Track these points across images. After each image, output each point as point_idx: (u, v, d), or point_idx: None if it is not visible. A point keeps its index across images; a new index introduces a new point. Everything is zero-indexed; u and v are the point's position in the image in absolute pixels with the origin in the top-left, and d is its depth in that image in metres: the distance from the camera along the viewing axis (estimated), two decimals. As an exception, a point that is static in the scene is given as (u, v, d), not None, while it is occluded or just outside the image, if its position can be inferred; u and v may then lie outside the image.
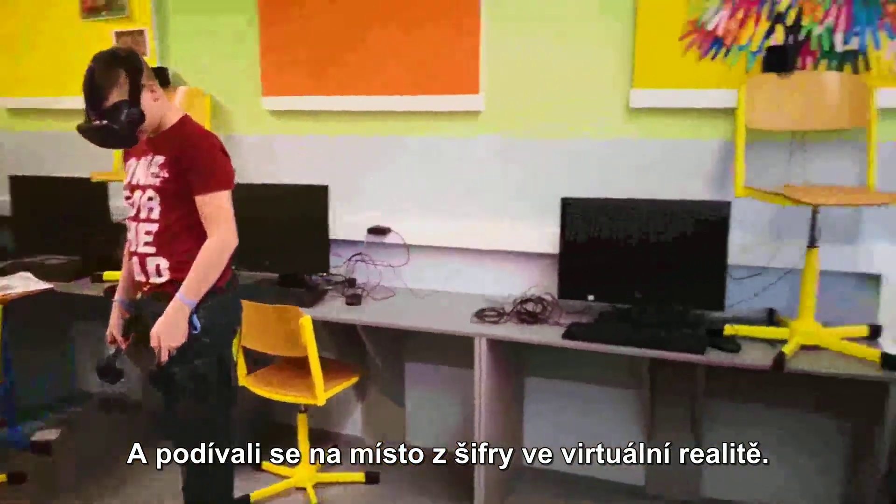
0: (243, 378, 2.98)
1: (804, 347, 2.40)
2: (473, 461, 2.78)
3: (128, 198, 2.27)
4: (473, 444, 2.77)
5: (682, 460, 2.90)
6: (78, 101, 2.09)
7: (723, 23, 2.64)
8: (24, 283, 3.35)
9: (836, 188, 2.56)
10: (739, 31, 2.63)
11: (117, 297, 2.42)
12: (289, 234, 3.19)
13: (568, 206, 2.76)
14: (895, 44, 2.46)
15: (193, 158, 2.15)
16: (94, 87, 2.07)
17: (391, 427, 3.44)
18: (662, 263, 2.65)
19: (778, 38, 2.58)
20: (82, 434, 3.62)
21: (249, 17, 3.34)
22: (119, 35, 3.57)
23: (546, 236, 2.94)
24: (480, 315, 2.81)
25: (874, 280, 2.60)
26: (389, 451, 3.38)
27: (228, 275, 2.25)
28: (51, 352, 3.96)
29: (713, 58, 2.67)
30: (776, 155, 2.65)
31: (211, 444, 2.27)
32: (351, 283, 3.27)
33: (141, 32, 3.52)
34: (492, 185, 3.08)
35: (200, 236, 2.18)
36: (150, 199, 2.19)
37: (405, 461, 3.31)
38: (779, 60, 2.56)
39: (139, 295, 2.35)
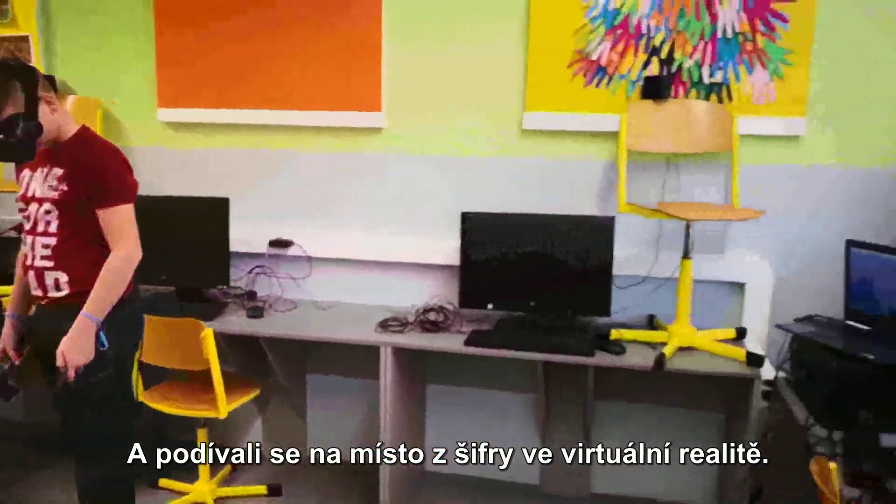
0: (141, 394, 2.91)
1: (681, 349, 2.65)
2: (378, 464, 2.85)
3: (22, 210, 2.21)
4: (378, 448, 2.85)
5: (572, 459, 3.11)
6: None
7: (605, 53, 2.89)
8: None
9: (706, 205, 2.85)
10: (620, 62, 2.88)
11: (9, 311, 2.34)
12: (187, 247, 3.15)
13: (467, 220, 2.91)
14: (752, 78, 2.78)
15: (95, 172, 2.13)
16: None
17: (292, 439, 3.45)
18: (555, 274, 2.84)
19: (654, 69, 2.85)
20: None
21: (145, 27, 3.30)
22: (0, 40, 3.42)
23: (446, 249, 3.08)
24: (384, 325, 2.90)
25: (740, 287, 2.90)
26: (291, 461, 3.40)
27: (130, 287, 2.23)
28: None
29: (597, 85, 2.91)
30: (654, 174, 2.92)
31: (113, 459, 2.24)
32: (251, 295, 3.27)
33: (25, 38, 3.39)
34: (393, 199, 3.19)
35: (100, 249, 2.15)
36: (47, 212, 2.15)
37: (307, 471, 3.34)
38: (654, 89, 2.83)
39: (34, 309, 2.29)
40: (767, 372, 2.52)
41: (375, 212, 3.22)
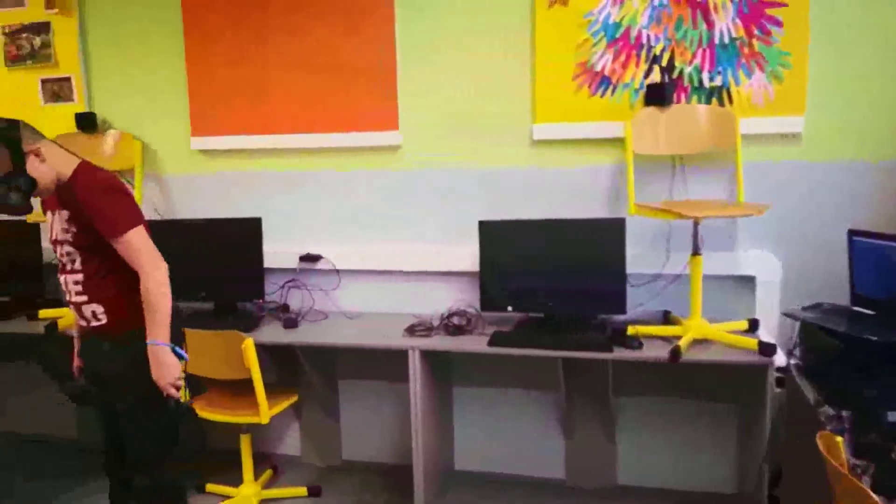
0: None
1: (696, 341, 2.77)
2: (412, 464, 3.01)
3: (54, 250, 2.34)
4: (412, 450, 3.00)
5: (597, 453, 3.23)
6: None
7: (608, 64, 3.04)
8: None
9: (713, 202, 2.97)
10: (623, 72, 3.03)
11: (76, 331, 2.49)
12: (224, 266, 3.35)
13: (484, 228, 3.07)
14: (751, 80, 2.91)
15: (94, 208, 2.18)
16: None
17: (328, 443, 3.62)
18: (570, 275, 2.98)
19: (656, 76, 3.00)
20: (21, 474, 3.61)
21: (176, 62, 3.52)
22: (45, 82, 3.67)
23: (465, 256, 3.24)
24: (411, 330, 3.06)
25: (750, 280, 3.02)
26: (327, 463, 3.58)
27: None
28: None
29: (602, 95, 3.06)
30: (660, 176, 3.05)
31: (157, 468, 2.40)
32: (285, 308, 3.46)
33: (68, 79, 3.63)
34: (413, 211, 3.36)
35: (125, 276, 2.25)
36: (68, 252, 2.27)
37: (342, 473, 3.50)
38: (658, 96, 2.97)
39: (79, 335, 2.45)
40: (780, 360, 2.63)
41: (397, 224, 3.39)
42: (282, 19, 3.35)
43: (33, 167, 2.14)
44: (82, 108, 3.62)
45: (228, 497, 3.24)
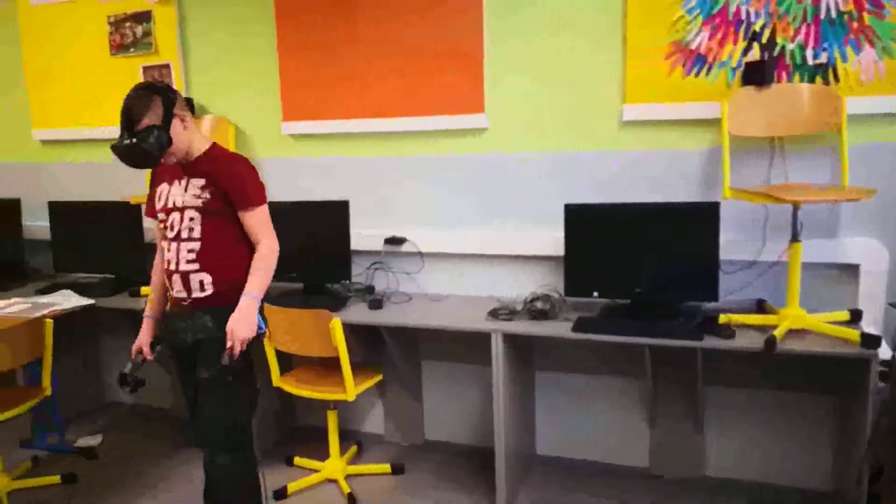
0: (277, 380, 3.22)
1: (792, 332, 2.65)
2: (493, 447, 3.01)
3: (162, 220, 2.47)
4: (493, 433, 3.01)
5: (683, 443, 3.16)
6: (107, 132, 2.31)
7: (704, 42, 2.92)
8: (66, 299, 3.60)
9: (814, 186, 2.83)
10: (720, 50, 2.91)
11: (147, 313, 2.64)
12: (313, 247, 3.44)
13: (571, 211, 3.02)
14: (860, 57, 2.74)
15: (233, 179, 2.41)
16: (131, 111, 2.30)
17: (410, 422, 3.68)
18: (660, 260, 2.91)
19: (755, 54, 2.87)
20: (120, 440, 3.84)
21: (268, 49, 3.62)
22: (146, 69, 3.84)
23: (549, 240, 3.21)
24: (494, 313, 3.06)
25: (853, 269, 2.86)
26: (410, 442, 3.65)
27: None
28: (80, 365, 4.20)
29: (696, 74, 2.95)
30: (757, 159, 2.93)
31: (245, 445, 2.48)
32: (370, 290, 3.52)
33: (167, 66, 3.79)
34: (497, 195, 3.35)
35: (239, 249, 2.43)
36: (191, 219, 2.40)
37: (424, 453, 3.56)
38: (757, 75, 2.84)
39: (172, 309, 2.54)
40: (885, 353, 2.49)
41: (481, 208, 3.39)
42: (371, 4, 3.38)
43: (175, 130, 2.35)
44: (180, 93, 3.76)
45: (315, 471, 3.34)
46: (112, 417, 4.16)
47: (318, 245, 3.44)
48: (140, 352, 2.59)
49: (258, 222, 2.44)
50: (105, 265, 3.91)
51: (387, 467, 3.39)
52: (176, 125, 2.35)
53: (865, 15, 2.72)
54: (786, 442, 3.06)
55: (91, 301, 3.59)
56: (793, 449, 3.06)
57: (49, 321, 3.12)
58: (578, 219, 3.01)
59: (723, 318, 2.77)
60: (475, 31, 3.23)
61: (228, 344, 2.33)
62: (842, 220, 2.88)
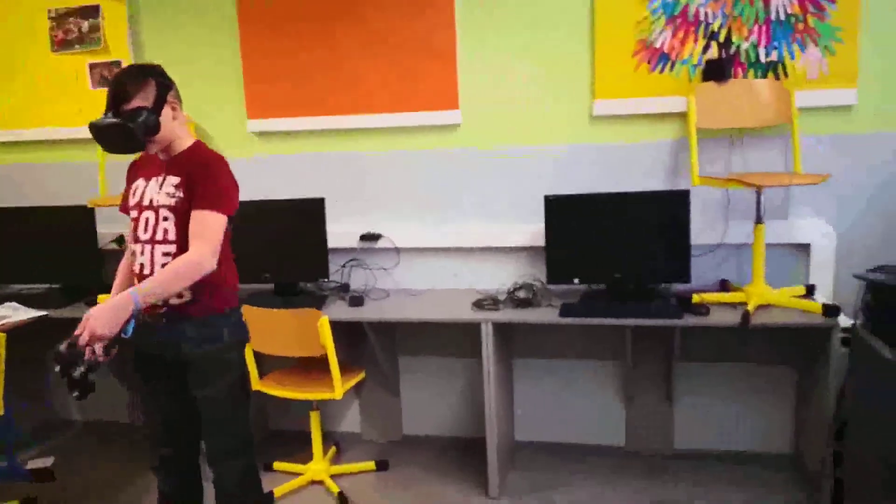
0: (256, 383, 3.16)
1: (759, 307, 2.89)
2: (477, 437, 3.09)
3: (134, 218, 2.30)
4: (480, 423, 3.08)
5: (656, 419, 3.35)
6: (46, 133, 2.12)
7: (667, 41, 3.13)
8: (14, 312, 3.36)
9: (771, 173, 3.09)
10: (682, 48, 3.12)
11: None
12: (287, 247, 3.39)
13: (550, 202, 3.15)
14: (805, 55, 3.03)
15: (203, 177, 2.21)
16: (121, 88, 2.15)
17: (388, 419, 3.69)
18: (635, 246, 3.08)
19: (713, 52, 3.10)
20: (76, 459, 3.63)
21: (231, 45, 3.54)
22: (93, 66, 3.66)
23: (525, 232, 3.33)
24: (479, 304, 3.14)
25: (804, 248, 3.15)
26: (389, 439, 3.68)
27: (237, 295, 2.37)
28: (25, 380, 3.93)
29: (661, 71, 3.15)
30: (719, 149, 3.16)
31: (250, 452, 2.40)
32: (345, 287, 3.52)
33: (118, 63, 3.62)
34: (472, 189, 3.43)
35: (223, 252, 2.23)
36: (164, 219, 2.23)
37: (405, 448, 3.59)
38: (716, 71, 3.07)
39: (143, 318, 2.25)
40: (844, 321, 2.76)
41: (457, 202, 3.46)
42: (342, 1, 3.39)
43: (165, 117, 2.21)
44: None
45: (299, 474, 3.30)
46: (65, 436, 3.93)
47: (293, 244, 3.40)
48: (94, 352, 2.24)
49: (203, 227, 2.17)
50: (50, 274, 3.69)
51: (371, 464, 3.40)
52: (166, 112, 2.20)
53: (809, 17, 3.00)
54: (749, 411, 3.31)
55: (43, 313, 3.37)
56: (756, 417, 3.31)
57: (1, 335, 2.92)
58: (558, 209, 3.15)
59: (696, 298, 2.97)
60: (448, 28, 3.30)
61: (79, 330, 2.02)
62: (793, 204, 3.16)
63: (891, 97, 3.00)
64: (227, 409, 2.33)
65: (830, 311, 2.77)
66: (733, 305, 2.94)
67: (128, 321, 2.06)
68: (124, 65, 3.61)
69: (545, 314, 3.01)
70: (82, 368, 2.10)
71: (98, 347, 2.17)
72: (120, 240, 3.69)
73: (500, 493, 3.11)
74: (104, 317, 2.01)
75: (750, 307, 2.84)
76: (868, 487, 2.57)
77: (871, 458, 2.55)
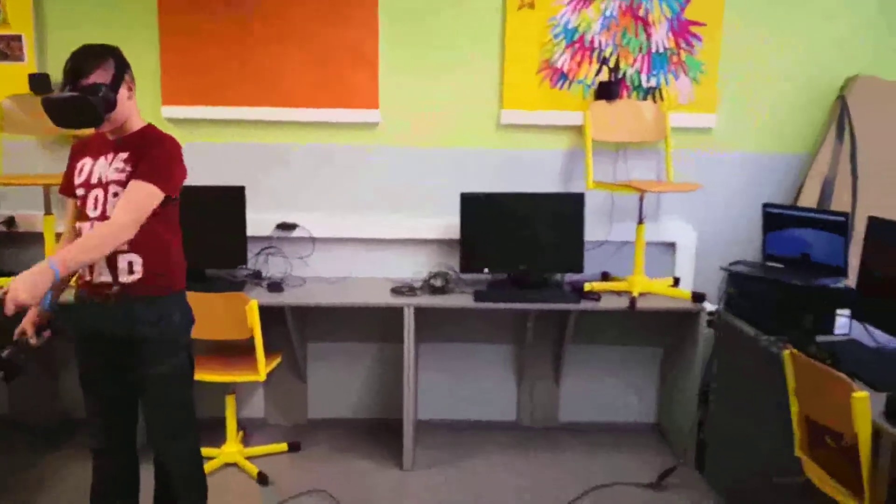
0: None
1: (640, 294, 3.39)
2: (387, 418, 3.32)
3: (81, 197, 2.30)
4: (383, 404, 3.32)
5: (543, 396, 3.77)
6: None
7: (567, 63, 3.57)
8: None
9: (655, 181, 3.62)
10: (578, 70, 3.58)
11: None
12: (205, 234, 3.40)
13: (466, 199, 3.46)
14: (678, 83, 3.59)
15: (152, 153, 2.25)
16: (80, 63, 2.18)
17: (294, 403, 3.81)
18: (538, 241, 3.48)
19: (605, 75, 3.58)
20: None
21: (147, 29, 3.50)
22: (-10, 38, 3.46)
23: (435, 226, 3.63)
24: (398, 291, 3.38)
25: (671, 246, 3.71)
26: (296, 422, 3.81)
27: (184, 275, 2.43)
28: None
29: (560, 88, 3.59)
30: (606, 159, 3.64)
31: (195, 431, 2.47)
32: (257, 275, 3.60)
33: (18, 38, 3.45)
34: (388, 184, 3.66)
35: (169, 232, 2.32)
36: (114, 195, 2.23)
37: (313, 430, 3.73)
38: (607, 92, 3.55)
39: (87, 297, 2.30)
40: (709, 306, 3.31)
41: (372, 197, 3.67)
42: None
43: (122, 96, 2.25)
44: (33, 69, 3.47)
45: (212, 458, 3.33)
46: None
47: (210, 231, 3.42)
48: (24, 333, 2.27)
49: (137, 196, 2.18)
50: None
51: (283, 446, 3.50)
52: (123, 92, 2.24)
53: (682, 52, 3.57)
54: (623, 387, 3.82)
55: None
56: (627, 392, 3.83)
57: None
58: (471, 205, 3.47)
59: (587, 287, 3.43)
60: (372, 33, 3.52)
61: (6, 289, 1.95)
62: (662, 208, 3.71)
63: (741, 123, 3.64)
64: (176, 387, 2.39)
65: (698, 297, 3.33)
66: (618, 293, 3.42)
67: (51, 291, 2.02)
68: (25, 40, 3.47)
69: (460, 300, 3.32)
70: (9, 349, 2.10)
71: (29, 329, 2.22)
72: (9, 222, 3.52)
73: (413, 466, 3.37)
74: (26, 282, 1.94)
75: (634, 294, 3.33)
76: (725, 444, 3.13)
77: (729, 419, 3.12)
